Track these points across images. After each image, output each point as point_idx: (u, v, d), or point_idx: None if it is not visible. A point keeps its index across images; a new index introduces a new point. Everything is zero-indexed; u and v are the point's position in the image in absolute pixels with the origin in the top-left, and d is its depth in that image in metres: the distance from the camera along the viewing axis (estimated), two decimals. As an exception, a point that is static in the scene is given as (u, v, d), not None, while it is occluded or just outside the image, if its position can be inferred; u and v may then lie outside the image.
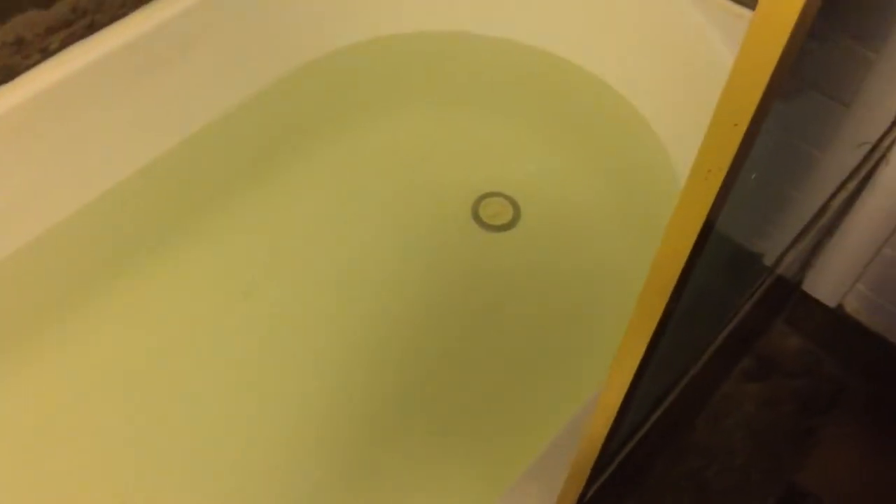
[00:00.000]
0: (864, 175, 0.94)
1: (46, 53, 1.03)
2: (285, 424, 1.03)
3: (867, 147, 0.90)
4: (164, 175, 1.24)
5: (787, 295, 1.27)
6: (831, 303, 1.19)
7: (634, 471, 1.00)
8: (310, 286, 1.16)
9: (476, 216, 1.27)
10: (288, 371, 1.08)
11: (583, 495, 0.71)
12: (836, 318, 1.20)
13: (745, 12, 1.11)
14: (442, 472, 1.01)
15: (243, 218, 1.23)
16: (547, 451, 0.80)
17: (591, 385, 0.98)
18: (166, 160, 1.24)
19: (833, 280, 1.16)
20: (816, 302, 1.21)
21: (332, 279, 1.17)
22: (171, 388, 1.06)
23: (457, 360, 1.11)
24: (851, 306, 1.17)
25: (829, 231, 1.10)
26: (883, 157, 0.95)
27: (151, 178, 1.23)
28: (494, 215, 1.27)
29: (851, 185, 0.91)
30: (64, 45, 1.03)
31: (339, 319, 1.13)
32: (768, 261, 0.93)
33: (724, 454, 1.22)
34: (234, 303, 1.14)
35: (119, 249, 1.18)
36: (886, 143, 0.90)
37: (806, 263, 1.19)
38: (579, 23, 1.33)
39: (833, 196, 0.90)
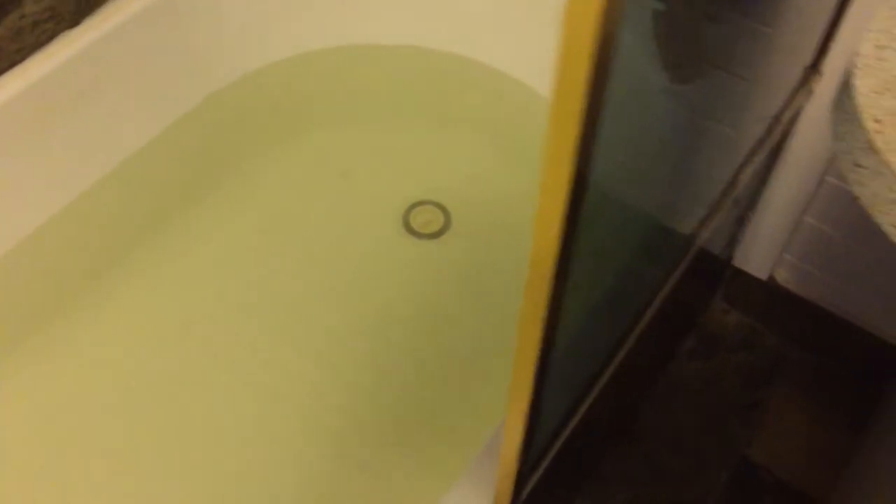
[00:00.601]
0: (772, 147, 0.96)
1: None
2: (228, 447, 1.02)
3: (768, 120, 0.92)
4: (85, 215, 1.22)
5: (719, 271, 1.28)
6: (762, 275, 1.21)
7: (578, 462, 1.00)
8: (245, 309, 1.16)
9: (407, 225, 1.27)
10: (227, 398, 1.07)
11: (517, 494, 0.71)
12: (769, 290, 1.22)
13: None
14: (385, 483, 1.01)
15: (174, 247, 1.21)
16: (482, 453, 0.80)
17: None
18: (83, 202, 1.23)
19: (761, 253, 1.18)
20: (749, 276, 1.23)
21: (266, 299, 1.17)
22: (109, 427, 1.04)
23: (395, 369, 1.11)
24: (782, 277, 1.19)
25: (751, 205, 1.12)
26: (789, 129, 0.97)
27: (71, 220, 1.21)
28: (426, 223, 1.27)
29: (759, 158, 0.92)
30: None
31: (276, 336, 1.13)
32: (687, 234, 0.94)
33: (675, 436, 1.23)
34: (171, 336, 1.12)
35: (46, 292, 1.16)
36: (788, 115, 0.92)
37: (734, 238, 1.21)
38: (487, 24, 1.34)
39: (741, 168, 0.91)
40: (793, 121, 0.96)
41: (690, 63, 0.80)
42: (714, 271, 1.28)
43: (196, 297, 1.17)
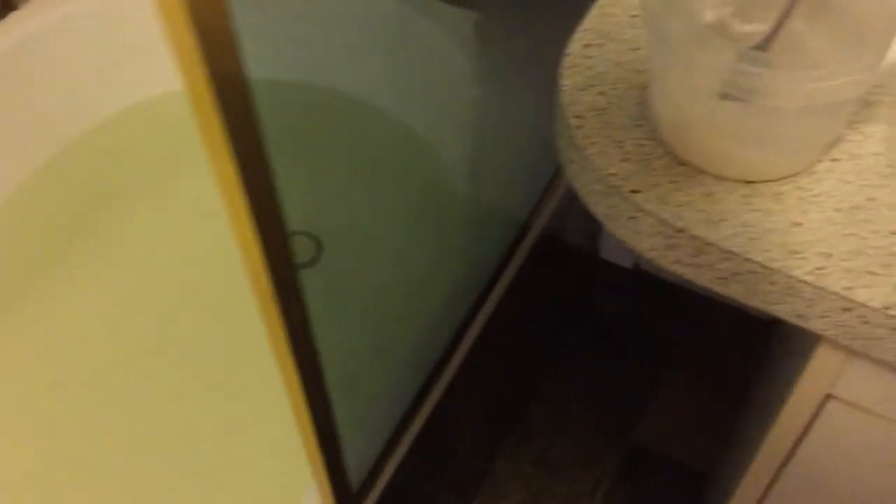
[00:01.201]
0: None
1: None
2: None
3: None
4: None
5: (588, 265, 1.31)
6: (627, 263, 1.24)
7: (429, 467, 1.02)
8: (120, 360, 1.16)
9: (280, 257, 1.28)
10: (99, 453, 1.07)
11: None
12: (637, 277, 1.25)
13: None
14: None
15: (42, 304, 1.21)
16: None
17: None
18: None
19: (619, 242, 1.21)
20: (617, 266, 1.26)
21: (142, 349, 1.17)
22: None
23: (270, 400, 1.12)
24: (644, 263, 1.23)
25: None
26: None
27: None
28: (296, 254, 1.29)
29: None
30: None
31: (153, 383, 1.13)
32: (518, 225, 0.96)
33: (565, 430, 1.25)
34: (41, 389, 1.12)
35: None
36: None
37: (594, 232, 1.24)
38: (352, 56, 1.36)
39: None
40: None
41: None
42: (582, 265, 1.31)
43: (66, 352, 1.16)
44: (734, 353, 1.27)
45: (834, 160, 0.50)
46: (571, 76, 0.55)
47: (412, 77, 1.30)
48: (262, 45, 1.35)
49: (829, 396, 0.56)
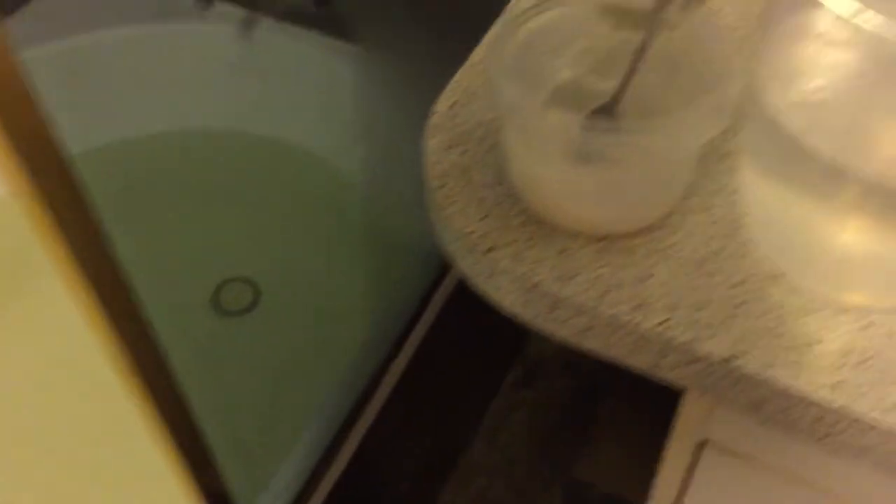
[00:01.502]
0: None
1: None
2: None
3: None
4: None
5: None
6: (561, 299, 1.25)
7: None
8: (58, 392, 1.15)
9: (215, 303, 1.28)
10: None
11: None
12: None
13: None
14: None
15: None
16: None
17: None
18: None
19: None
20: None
21: (73, 386, 1.16)
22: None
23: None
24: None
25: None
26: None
27: None
28: (234, 300, 1.29)
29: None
30: None
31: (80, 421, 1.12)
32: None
33: (507, 468, 1.25)
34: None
35: None
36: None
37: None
38: (297, 107, 1.37)
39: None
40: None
41: None
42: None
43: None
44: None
45: (687, 212, 0.52)
46: (437, 135, 0.56)
47: (345, 123, 1.32)
48: (194, 96, 1.37)
49: (705, 442, 0.57)
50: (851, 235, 0.44)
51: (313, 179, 1.36)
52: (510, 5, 0.52)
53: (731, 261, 0.49)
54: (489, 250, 0.50)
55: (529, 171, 0.52)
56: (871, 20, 0.33)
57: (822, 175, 0.40)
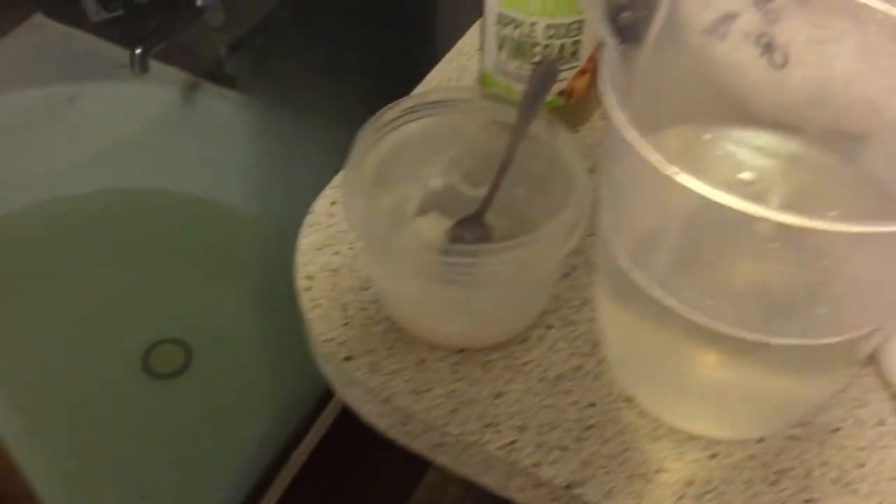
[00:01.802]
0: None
1: None
2: None
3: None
4: None
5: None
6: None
7: None
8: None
9: (146, 366, 1.26)
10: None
11: None
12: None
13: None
14: None
15: None
16: None
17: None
18: None
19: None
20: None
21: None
22: None
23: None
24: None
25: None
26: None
27: None
28: (165, 362, 1.27)
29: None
30: None
31: None
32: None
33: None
34: None
35: None
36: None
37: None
38: (215, 164, 1.37)
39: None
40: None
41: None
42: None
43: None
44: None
45: (549, 327, 0.51)
46: (311, 234, 0.56)
47: (276, 184, 1.32)
48: (126, 156, 1.36)
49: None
50: (693, 367, 0.44)
51: (244, 239, 1.36)
52: (377, 115, 0.51)
53: (587, 380, 0.49)
54: (347, 359, 0.50)
55: (384, 284, 0.52)
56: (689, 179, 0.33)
57: (655, 308, 0.40)
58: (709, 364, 0.42)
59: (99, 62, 1.23)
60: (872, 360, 0.50)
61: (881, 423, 0.47)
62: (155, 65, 1.20)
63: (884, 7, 0.42)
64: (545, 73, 0.50)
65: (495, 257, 0.45)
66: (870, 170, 0.45)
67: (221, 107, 1.24)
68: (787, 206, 0.47)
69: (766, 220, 0.32)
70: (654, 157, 0.34)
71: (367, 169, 0.50)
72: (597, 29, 0.42)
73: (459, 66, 0.68)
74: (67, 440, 1.16)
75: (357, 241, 0.55)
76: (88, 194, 1.34)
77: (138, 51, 1.07)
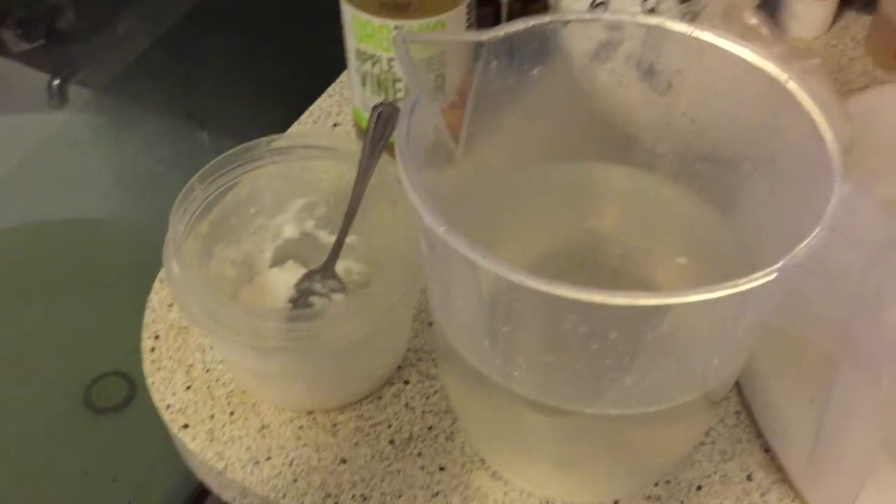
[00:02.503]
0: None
1: None
2: None
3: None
4: None
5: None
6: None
7: None
8: None
9: (88, 401, 1.24)
10: None
11: None
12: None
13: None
14: None
15: None
16: None
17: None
18: None
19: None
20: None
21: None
22: None
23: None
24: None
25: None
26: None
27: None
28: (107, 397, 1.25)
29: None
30: None
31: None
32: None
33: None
34: None
35: None
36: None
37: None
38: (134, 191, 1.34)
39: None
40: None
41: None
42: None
43: None
44: None
45: (406, 382, 0.48)
46: (163, 289, 0.53)
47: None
48: (57, 187, 1.34)
49: None
50: (528, 432, 0.40)
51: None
52: (205, 169, 0.48)
53: (439, 441, 0.46)
54: (184, 427, 0.47)
55: (219, 351, 0.49)
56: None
57: (478, 374, 0.37)
58: (543, 429, 0.39)
59: (21, 91, 1.20)
60: (745, 406, 0.47)
61: (750, 477, 0.44)
62: (78, 90, 1.18)
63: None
64: (386, 116, 0.48)
65: (317, 321, 0.42)
66: (730, 214, 0.43)
67: (139, 131, 1.22)
68: (633, 251, 0.45)
69: (544, 293, 0.29)
70: (428, 219, 0.31)
71: (203, 227, 0.47)
72: (407, 83, 0.39)
73: (340, 100, 0.65)
74: (8, 477, 1.14)
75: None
76: (19, 227, 1.31)
77: (56, 81, 1.05)
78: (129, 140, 1.25)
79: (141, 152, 1.24)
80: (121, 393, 1.26)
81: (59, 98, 1.08)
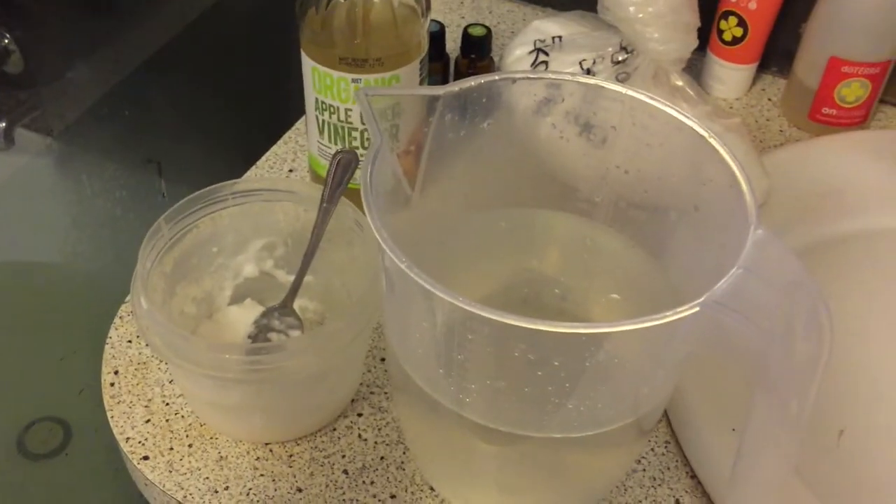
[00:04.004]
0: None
1: None
2: None
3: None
4: None
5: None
6: None
7: None
8: None
9: (21, 447, 1.21)
10: None
11: None
12: None
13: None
14: None
15: None
16: None
17: None
18: None
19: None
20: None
21: None
22: None
23: None
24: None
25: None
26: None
27: None
28: (41, 443, 1.22)
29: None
30: None
31: None
32: None
33: None
34: None
35: None
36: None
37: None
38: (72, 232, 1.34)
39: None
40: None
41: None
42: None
43: None
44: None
45: (359, 414, 0.51)
46: (123, 325, 0.55)
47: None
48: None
49: None
50: (476, 458, 0.43)
51: (114, 309, 1.33)
52: (175, 208, 0.51)
53: (391, 470, 0.48)
54: (144, 458, 0.48)
55: (181, 384, 0.51)
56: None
57: (430, 400, 0.40)
58: (490, 456, 0.42)
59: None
60: (673, 436, 0.51)
61: (678, 502, 0.48)
62: (28, 135, 1.18)
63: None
64: (345, 163, 0.51)
65: (276, 354, 0.44)
66: (660, 256, 0.47)
67: (96, 176, 1.22)
68: (572, 290, 0.49)
69: (495, 322, 0.32)
70: (392, 255, 0.34)
71: (167, 265, 0.50)
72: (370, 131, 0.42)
73: (295, 147, 0.68)
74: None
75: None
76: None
77: (2, 124, 1.05)
78: (84, 185, 1.25)
79: (97, 197, 1.24)
80: (55, 439, 1.24)
81: (5, 141, 1.08)
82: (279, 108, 0.77)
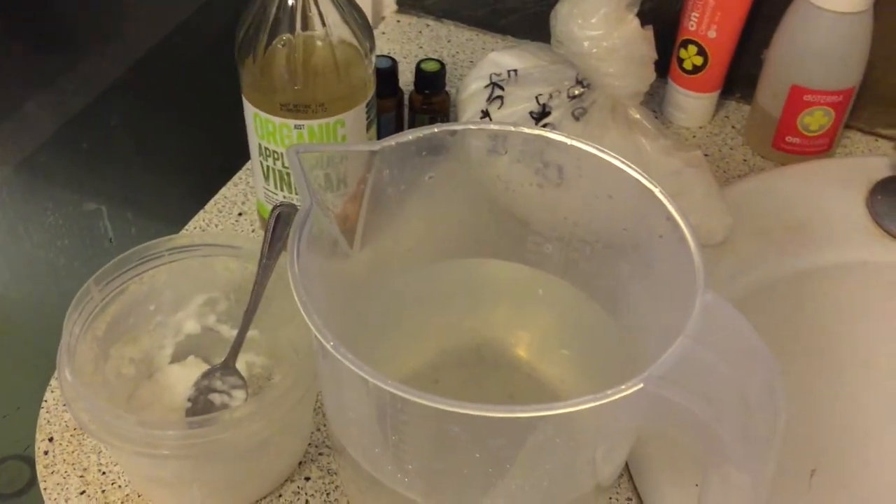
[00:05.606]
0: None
1: None
2: None
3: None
4: None
5: None
6: None
7: None
8: None
9: (-15, 489, 1.19)
10: None
11: None
12: None
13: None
14: None
15: None
16: None
17: None
18: None
19: None
20: None
21: None
22: None
23: None
24: None
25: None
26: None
27: None
28: (8, 482, 1.20)
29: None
30: None
31: None
32: None
33: None
34: None
35: None
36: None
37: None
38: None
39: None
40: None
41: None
42: None
43: None
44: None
45: (307, 478, 0.49)
46: (59, 388, 0.52)
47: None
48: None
49: None
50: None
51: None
52: (106, 268, 0.48)
53: (340, 539, 0.46)
54: (76, 535, 0.46)
55: (114, 456, 0.48)
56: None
57: (372, 480, 0.38)
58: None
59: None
60: (635, 492, 0.49)
61: (641, 563, 0.46)
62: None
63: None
64: (285, 217, 0.49)
65: (213, 427, 0.42)
66: (613, 311, 0.45)
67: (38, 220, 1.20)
68: (523, 343, 0.47)
69: (426, 406, 0.30)
70: (318, 335, 0.32)
71: (99, 329, 0.47)
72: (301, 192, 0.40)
73: (246, 188, 0.66)
74: None
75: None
76: None
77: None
78: (30, 227, 1.22)
79: (39, 248, 1.22)
80: (22, 478, 1.21)
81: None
82: (231, 149, 0.75)
